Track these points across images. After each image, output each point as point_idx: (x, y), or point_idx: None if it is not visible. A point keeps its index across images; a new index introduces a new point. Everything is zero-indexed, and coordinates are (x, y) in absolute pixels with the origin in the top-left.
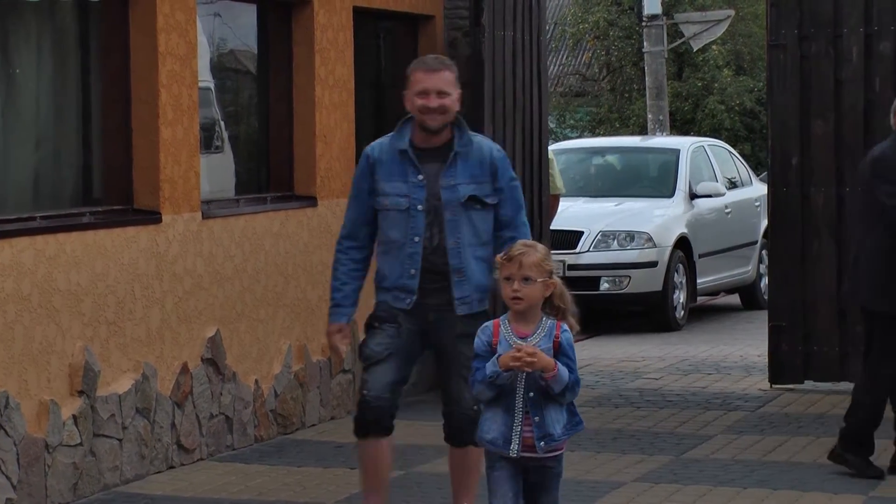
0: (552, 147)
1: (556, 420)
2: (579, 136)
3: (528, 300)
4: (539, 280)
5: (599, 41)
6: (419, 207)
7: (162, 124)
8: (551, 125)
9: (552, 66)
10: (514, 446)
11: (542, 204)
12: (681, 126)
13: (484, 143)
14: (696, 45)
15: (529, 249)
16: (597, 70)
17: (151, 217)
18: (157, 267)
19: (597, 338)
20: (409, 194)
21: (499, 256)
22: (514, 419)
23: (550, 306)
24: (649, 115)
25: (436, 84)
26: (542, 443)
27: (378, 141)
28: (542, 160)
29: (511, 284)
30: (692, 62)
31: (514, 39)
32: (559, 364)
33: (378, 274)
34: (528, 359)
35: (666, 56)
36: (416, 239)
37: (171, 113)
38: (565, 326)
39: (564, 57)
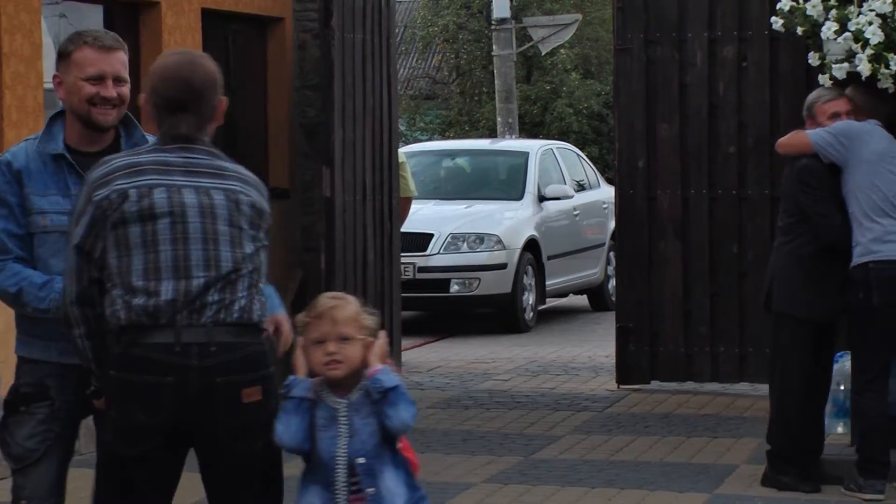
0: (403, 149)
1: (396, 493)
2: (429, 139)
3: (348, 363)
4: (359, 338)
5: (449, 44)
6: None
7: (6, 126)
8: (401, 128)
9: (402, 69)
10: None
11: (393, 207)
12: (530, 129)
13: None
14: (544, 49)
15: (341, 302)
16: (446, 73)
17: None
18: None
19: (446, 340)
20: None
21: (301, 316)
22: (336, 497)
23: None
24: (499, 118)
25: (114, 67)
26: None
27: (19, 146)
28: (393, 163)
29: (324, 347)
30: (541, 66)
31: (364, 42)
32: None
33: (26, 318)
34: None
35: (515, 59)
36: None
37: (16, 115)
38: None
39: (414, 60)
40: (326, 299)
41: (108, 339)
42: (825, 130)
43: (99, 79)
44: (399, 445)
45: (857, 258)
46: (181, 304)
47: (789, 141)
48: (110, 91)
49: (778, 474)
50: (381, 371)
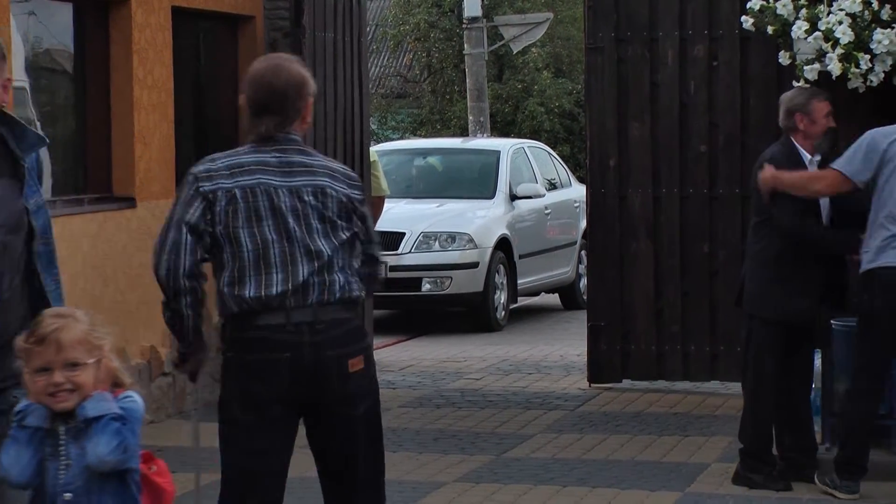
0: (375, 148)
1: None
2: (401, 138)
3: (81, 392)
4: (91, 361)
5: (420, 43)
6: None
7: None
8: (373, 126)
9: (373, 68)
10: None
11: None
12: (501, 128)
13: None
14: (515, 48)
15: (66, 321)
16: (418, 72)
17: None
18: None
19: (418, 338)
20: None
21: (20, 340)
22: None
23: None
24: (470, 117)
25: None
26: None
27: None
28: (364, 161)
29: (49, 377)
30: (512, 64)
31: (335, 41)
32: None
33: None
34: None
35: (486, 58)
36: None
37: None
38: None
39: (385, 58)
40: (49, 319)
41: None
42: (848, 157)
43: None
44: (153, 468)
45: (866, 264)
46: (290, 292)
47: (814, 186)
48: None
49: (749, 472)
50: (92, 398)
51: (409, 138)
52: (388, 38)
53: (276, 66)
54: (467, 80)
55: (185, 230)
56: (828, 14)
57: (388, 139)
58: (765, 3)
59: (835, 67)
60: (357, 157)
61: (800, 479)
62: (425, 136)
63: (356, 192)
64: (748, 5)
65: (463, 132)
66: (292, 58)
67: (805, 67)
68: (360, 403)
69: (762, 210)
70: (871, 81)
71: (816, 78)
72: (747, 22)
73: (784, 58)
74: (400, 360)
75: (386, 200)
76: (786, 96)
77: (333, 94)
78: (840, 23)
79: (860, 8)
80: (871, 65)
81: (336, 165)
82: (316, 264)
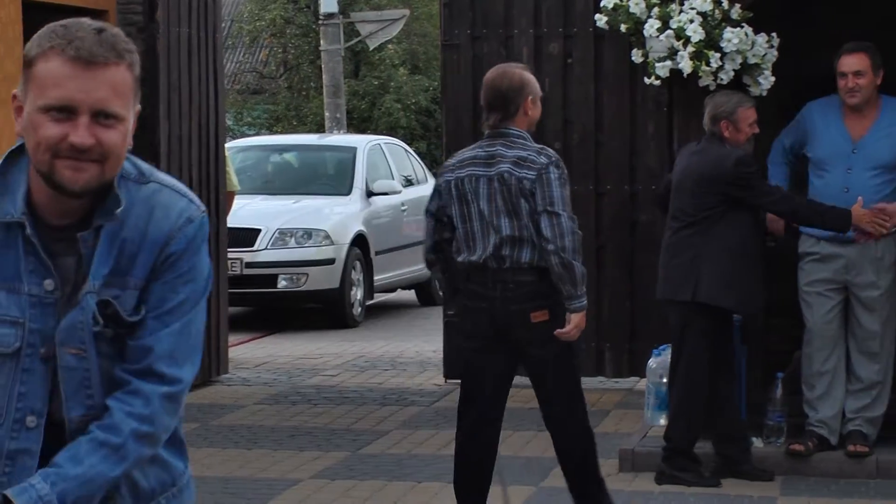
0: (229, 144)
1: None
2: (257, 134)
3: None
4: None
5: (276, 39)
6: (42, 351)
7: None
8: (229, 122)
9: (229, 64)
10: None
11: (220, 201)
12: (358, 124)
13: (169, 200)
14: (372, 44)
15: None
16: (274, 68)
17: None
18: None
19: (274, 335)
20: (25, 320)
21: None
22: None
23: None
24: (326, 114)
25: (94, 95)
26: None
27: None
28: (220, 158)
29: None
30: (369, 61)
31: (190, 36)
32: None
33: None
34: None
35: (343, 54)
36: (31, 420)
37: None
38: None
39: (241, 54)
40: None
41: (455, 278)
42: None
43: (67, 111)
44: None
45: None
46: (488, 258)
47: None
48: (81, 135)
49: (677, 471)
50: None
51: (265, 134)
52: (243, 34)
53: (502, 72)
54: (324, 77)
55: (427, 217)
56: (679, 13)
57: (243, 135)
58: (618, 1)
59: (686, 65)
60: (212, 153)
61: (733, 476)
62: (281, 133)
63: (531, 172)
64: (602, 3)
65: (319, 129)
66: (518, 66)
67: (657, 65)
68: (546, 346)
69: (713, 204)
70: (722, 79)
71: (668, 75)
72: (601, 20)
73: (637, 55)
74: (255, 357)
75: (241, 197)
76: (712, 100)
77: (188, 89)
78: (691, 21)
79: (711, 7)
80: (721, 63)
81: (527, 153)
82: (500, 238)
